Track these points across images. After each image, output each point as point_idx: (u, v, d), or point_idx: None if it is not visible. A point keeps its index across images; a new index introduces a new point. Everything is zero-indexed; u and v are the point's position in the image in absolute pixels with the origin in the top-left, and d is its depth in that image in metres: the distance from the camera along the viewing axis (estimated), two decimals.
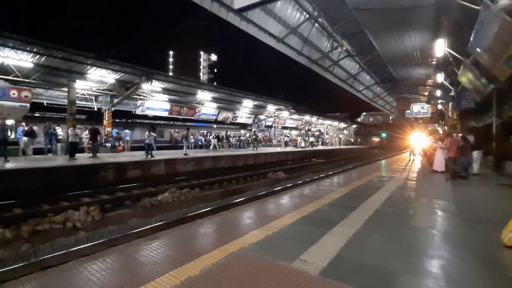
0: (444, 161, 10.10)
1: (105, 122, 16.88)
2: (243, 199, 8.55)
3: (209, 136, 24.88)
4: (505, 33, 5.43)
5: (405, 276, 2.52)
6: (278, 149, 24.75)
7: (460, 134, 10.00)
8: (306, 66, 16.87)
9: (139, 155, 13.60)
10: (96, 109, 17.73)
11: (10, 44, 11.04)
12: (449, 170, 9.10)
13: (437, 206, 5.35)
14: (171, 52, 68.83)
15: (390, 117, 53.04)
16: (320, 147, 30.27)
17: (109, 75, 14.77)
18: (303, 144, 28.70)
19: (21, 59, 11.72)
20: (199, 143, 23.42)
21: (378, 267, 2.65)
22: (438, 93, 20.21)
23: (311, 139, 31.41)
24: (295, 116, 32.63)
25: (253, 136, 24.40)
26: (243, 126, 32.31)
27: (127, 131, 17.60)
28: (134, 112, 20.26)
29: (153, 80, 15.74)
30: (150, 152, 13.17)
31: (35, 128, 13.68)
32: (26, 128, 12.96)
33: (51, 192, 8.18)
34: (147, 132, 13.79)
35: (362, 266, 2.66)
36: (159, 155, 14.13)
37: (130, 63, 14.62)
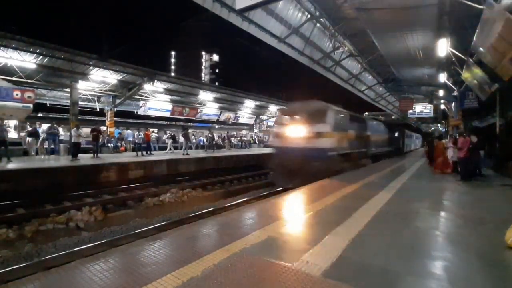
0: (450, 161, 10.02)
1: (107, 123, 16.96)
2: (245, 199, 8.56)
3: (164, 136, 21.00)
4: (509, 32, 5.39)
5: (408, 277, 2.50)
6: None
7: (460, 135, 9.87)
8: (308, 66, 16.85)
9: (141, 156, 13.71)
10: (98, 109, 17.82)
11: (13, 45, 11.12)
12: (461, 171, 8.87)
13: (440, 207, 5.32)
14: (173, 53, 69.04)
15: (392, 117, 52.78)
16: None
17: (111, 76, 14.84)
18: None
19: (24, 60, 11.81)
20: (201, 143, 23.30)
21: (380, 268, 2.63)
22: (441, 93, 20.11)
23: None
24: None
25: (209, 136, 19.86)
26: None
27: (129, 131, 17.69)
28: (136, 112, 20.34)
29: (155, 81, 15.77)
30: (146, 151, 13.88)
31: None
32: (29, 129, 13.05)
33: (53, 192, 8.21)
34: (136, 132, 14.29)
35: (365, 267, 2.65)
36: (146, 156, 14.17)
37: (132, 64, 14.68)
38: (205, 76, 68.65)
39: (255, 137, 29.65)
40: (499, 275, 2.64)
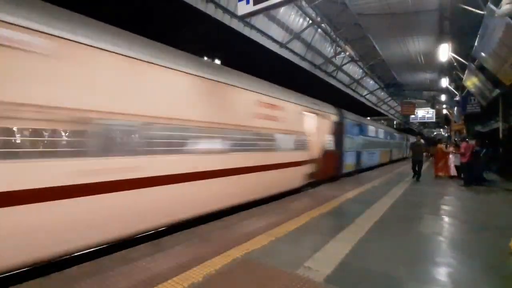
0: (454, 167, 9.99)
1: None
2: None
3: None
4: (510, 37, 5.41)
5: (411, 283, 2.48)
6: None
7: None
8: (309, 71, 16.92)
9: None
10: None
11: None
12: (464, 176, 8.84)
13: (443, 212, 5.28)
14: None
15: (394, 122, 52.75)
16: None
17: None
18: None
19: None
20: None
21: (383, 274, 2.61)
22: (443, 97, 20.12)
23: None
24: None
25: None
26: None
27: None
28: None
29: None
30: None
31: None
32: None
33: None
34: None
35: (367, 273, 2.63)
36: None
37: None
38: None
39: None
40: (503, 282, 2.61)
